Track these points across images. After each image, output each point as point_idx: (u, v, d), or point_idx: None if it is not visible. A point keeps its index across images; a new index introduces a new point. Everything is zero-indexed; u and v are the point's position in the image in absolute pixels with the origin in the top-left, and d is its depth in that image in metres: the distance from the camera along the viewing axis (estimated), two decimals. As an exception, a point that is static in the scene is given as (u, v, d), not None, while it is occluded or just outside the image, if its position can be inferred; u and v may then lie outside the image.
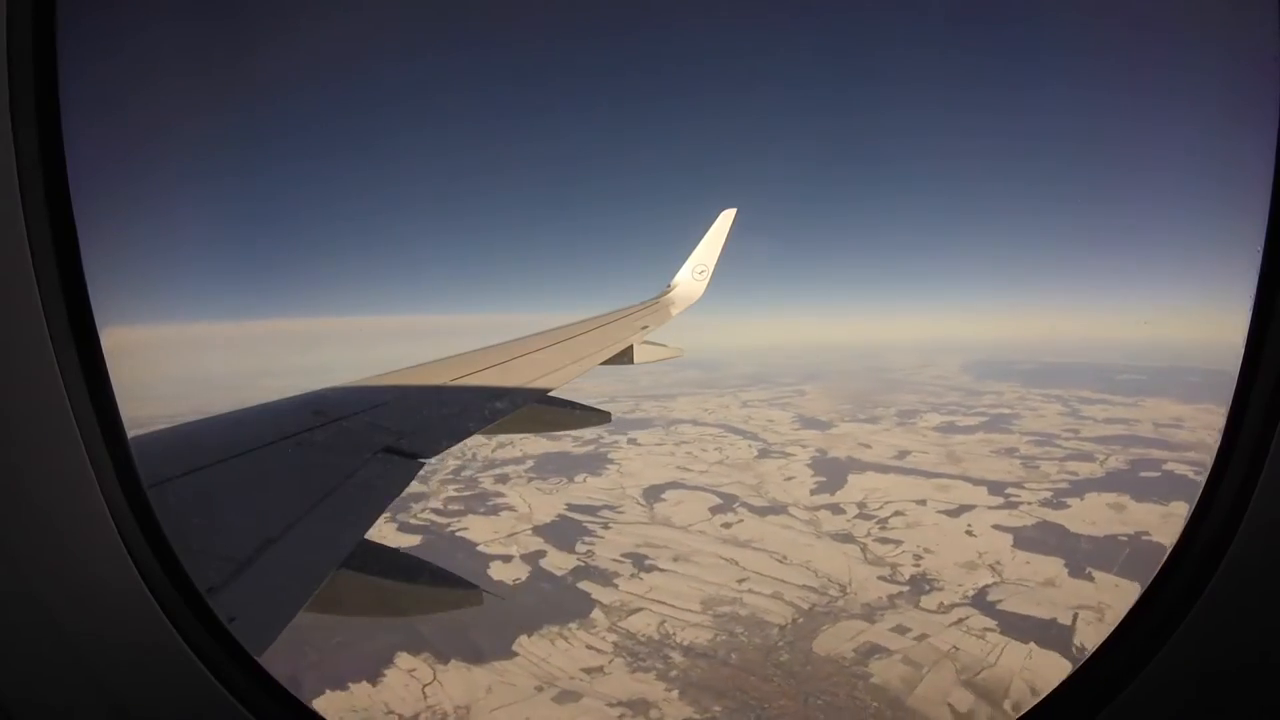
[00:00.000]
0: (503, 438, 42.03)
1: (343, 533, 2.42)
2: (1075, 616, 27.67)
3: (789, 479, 43.38)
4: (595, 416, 5.59)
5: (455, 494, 43.11)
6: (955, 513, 37.12)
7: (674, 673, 27.06)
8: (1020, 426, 47.63)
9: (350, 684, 26.88)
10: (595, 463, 47.03)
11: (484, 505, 41.55)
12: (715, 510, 39.98)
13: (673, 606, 31.21)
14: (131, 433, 1.43)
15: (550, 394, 4.75)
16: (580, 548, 36.69)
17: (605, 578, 33.86)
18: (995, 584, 30.84)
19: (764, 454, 47.52)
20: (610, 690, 26.40)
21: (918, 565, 32.83)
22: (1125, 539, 32.52)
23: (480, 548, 36.89)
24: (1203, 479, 1.25)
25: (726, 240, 8.61)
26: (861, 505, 38.94)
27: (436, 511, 40.70)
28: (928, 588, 31.11)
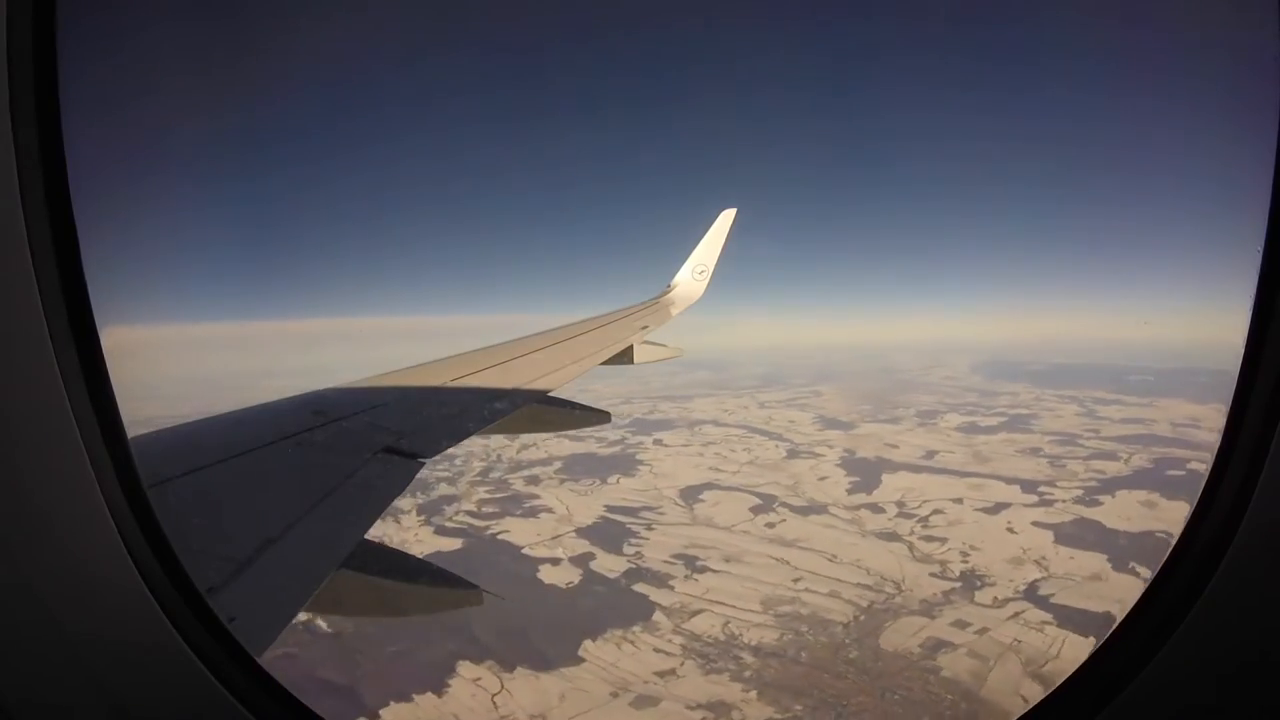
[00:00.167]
0: (526, 438, 41.59)
1: (343, 533, 2.40)
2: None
3: (823, 479, 43.88)
4: (595, 416, 5.57)
5: (487, 495, 42.36)
6: (993, 510, 37.96)
7: (748, 673, 27.13)
8: (1041, 426, 48.81)
9: (414, 695, 26.12)
10: (625, 464, 46.84)
11: (520, 507, 40.93)
12: (756, 510, 40.22)
13: (733, 607, 31.30)
14: (131, 433, 1.42)
15: (550, 394, 4.74)
16: (628, 549, 36.50)
17: (659, 579, 33.77)
18: (1044, 579, 31.63)
19: (793, 454, 47.96)
20: (687, 693, 26.30)
21: (966, 561, 33.57)
22: (1163, 535, 33.86)
23: (525, 550, 36.37)
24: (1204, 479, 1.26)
25: (727, 240, 8.61)
26: (900, 504, 39.60)
27: (471, 514, 39.97)
28: (979, 583, 31.83)
